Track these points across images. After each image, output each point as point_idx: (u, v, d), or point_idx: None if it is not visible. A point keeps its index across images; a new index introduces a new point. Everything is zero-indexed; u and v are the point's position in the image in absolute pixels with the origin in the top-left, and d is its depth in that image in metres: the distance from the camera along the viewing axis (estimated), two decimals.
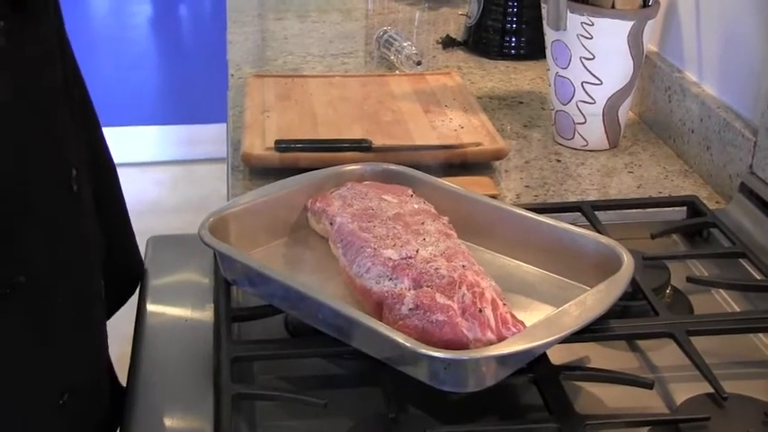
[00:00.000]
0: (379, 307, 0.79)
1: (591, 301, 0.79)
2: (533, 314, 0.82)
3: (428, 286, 0.78)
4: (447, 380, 0.73)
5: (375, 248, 0.83)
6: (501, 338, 0.75)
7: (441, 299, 0.76)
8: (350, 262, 0.84)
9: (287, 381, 0.81)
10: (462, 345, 0.74)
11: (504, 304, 0.78)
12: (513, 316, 0.77)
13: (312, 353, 0.81)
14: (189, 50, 3.63)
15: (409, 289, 0.79)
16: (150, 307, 0.92)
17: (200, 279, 0.96)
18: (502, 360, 0.74)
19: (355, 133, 1.23)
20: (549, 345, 0.77)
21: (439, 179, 0.99)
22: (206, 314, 0.89)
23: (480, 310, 0.76)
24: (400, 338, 0.73)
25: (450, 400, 0.76)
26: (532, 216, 0.92)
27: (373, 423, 0.73)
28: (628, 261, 0.84)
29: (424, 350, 0.72)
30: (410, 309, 0.76)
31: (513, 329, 0.76)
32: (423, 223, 0.88)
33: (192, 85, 3.61)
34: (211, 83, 3.56)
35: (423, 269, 0.80)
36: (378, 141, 1.20)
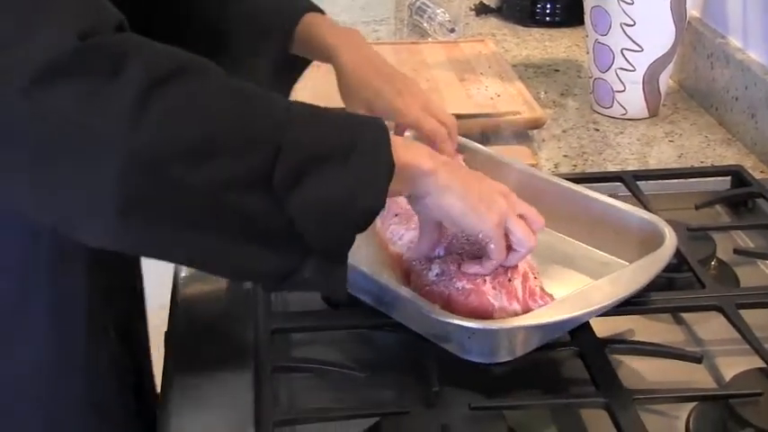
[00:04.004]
0: (409, 273, 0.78)
1: (626, 278, 0.77)
2: (570, 287, 0.80)
3: (458, 254, 0.76)
4: (473, 349, 0.72)
5: (410, 215, 0.81)
6: (527, 310, 0.74)
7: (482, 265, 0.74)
8: (385, 227, 0.83)
9: (326, 352, 0.80)
10: (488, 313, 0.73)
11: (536, 277, 0.76)
12: (542, 289, 0.76)
13: (352, 324, 0.80)
14: None
15: (440, 256, 0.77)
16: (186, 277, 0.91)
17: None
18: (526, 331, 0.72)
19: None
20: (575, 319, 0.74)
21: (482, 146, 0.97)
22: (243, 284, 0.88)
23: (510, 280, 0.74)
24: (419, 302, 0.72)
25: (493, 373, 0.74)
26: (577, 189, 0.89)
27: (416, 396, 0.72)
28: (670, 238, 0.81)
29: (439, 316, 0.71)
30: (436, 275, 0.75)
31: (541, 302, 0.75)
32: None
33: None
34: None
35: (455, 236, 0.78)
36: None
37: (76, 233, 0.62)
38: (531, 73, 1.42)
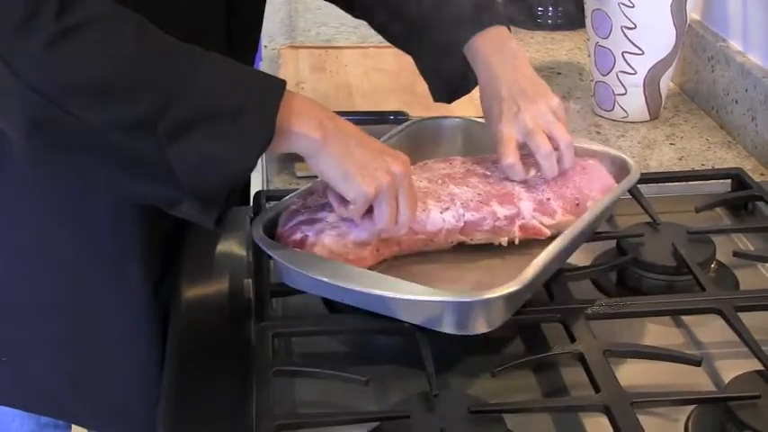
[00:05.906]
0: None
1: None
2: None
3: None
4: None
5: None
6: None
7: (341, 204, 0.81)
8: None
9: (327, 356, 0.80)
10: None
11: (345, 245, 0.80)
12: (328, 251, 0.80)
13: (352, 329, 0.80)
14: None
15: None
16: (187, 280, 0.91)
17: (238, 251, 0.94)
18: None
19: (392, 105, 1.21)
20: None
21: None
22: (244, 288, 0.88)
23: (320, 221, 0.82)
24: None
25: (493, 376, 0.74)
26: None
27: (416, 400, 0.72)
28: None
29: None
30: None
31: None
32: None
33: None
34: None
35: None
36: (414, 113, 1.18)
37: (14, 146, 0.75)
38: None
